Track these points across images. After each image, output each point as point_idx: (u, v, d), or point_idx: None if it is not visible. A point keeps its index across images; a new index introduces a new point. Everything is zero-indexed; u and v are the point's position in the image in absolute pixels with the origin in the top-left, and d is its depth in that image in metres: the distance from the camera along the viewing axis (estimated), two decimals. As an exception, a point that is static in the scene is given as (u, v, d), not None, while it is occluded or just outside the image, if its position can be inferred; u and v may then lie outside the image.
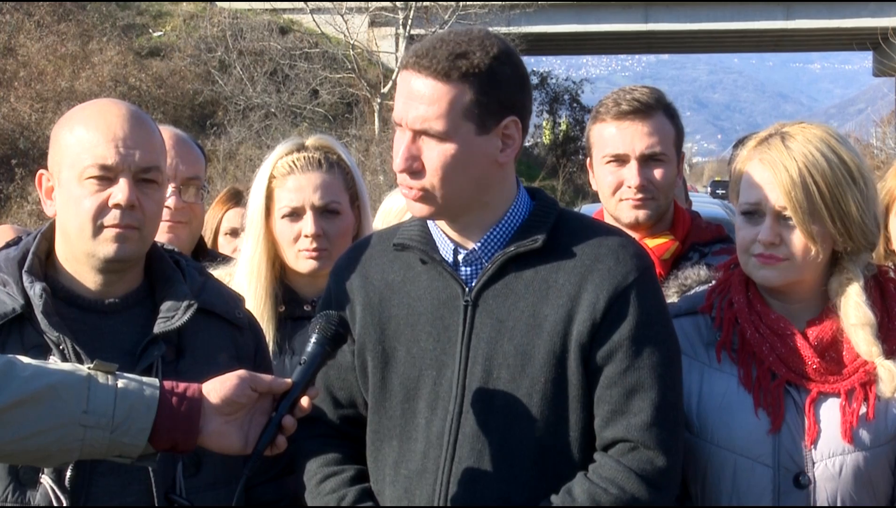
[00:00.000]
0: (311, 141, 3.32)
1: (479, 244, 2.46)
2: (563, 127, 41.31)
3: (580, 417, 2.38)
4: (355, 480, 2.51)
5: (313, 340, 2.40)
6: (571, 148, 40.13)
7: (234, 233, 4.55)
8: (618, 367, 2.35)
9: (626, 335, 2.36)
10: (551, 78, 42.61)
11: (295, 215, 3.21)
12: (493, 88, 2.37)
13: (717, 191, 50.36)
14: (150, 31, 32.08)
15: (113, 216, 2.46)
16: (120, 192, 2.45)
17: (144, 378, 2.33)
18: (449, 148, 2.37)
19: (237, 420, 2.35)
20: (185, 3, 33.51)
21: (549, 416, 2.36)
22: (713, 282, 2.81)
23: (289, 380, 2.38)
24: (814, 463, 2.57)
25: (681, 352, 2.49)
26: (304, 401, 2.37)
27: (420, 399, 2.44)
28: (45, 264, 2.55)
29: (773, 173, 2.57)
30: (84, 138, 2.47)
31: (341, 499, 2.47)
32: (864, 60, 51.18)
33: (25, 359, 2.27)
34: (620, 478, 2.31)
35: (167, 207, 3.46)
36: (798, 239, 2.57)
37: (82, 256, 2.51)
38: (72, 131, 2.50)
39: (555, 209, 2.50)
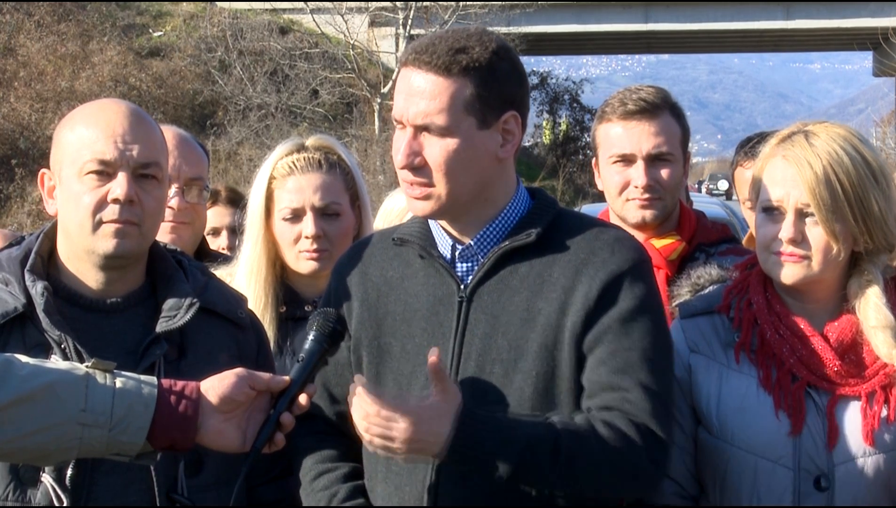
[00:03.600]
0: (311, 141, 3.31)
1: (474, 240, 2.46)
2: (563, 127, 41.34)
3: (572, 410, 2.36)
4: (349, 477, 2.51)
5: (311, 337, 2.40)
6: (571, 148, 40.18)
7: (215, 232, 4.54)
8: (607, 348, 2.33)
9: (616, 318, 2.33)
10: (551, 78, 42.63)
11: (295, 216, 3.21)
12: (493, 82, 2.37)
13: (701, 188, 51.71)
14: (150, 31, 32.08)
15: (112, 212, 2.46)
16: (118, 187, 2.46)
17: (143, 377, 2.33)
18: (451, 143, 2.37)
19: (235, 418, 2.35)
20: (185, 3, 33.52)
21: (542, 410, 2.35)
22: (726, 281, 2.79)
23: (287, 378, 2.38)
24: (834, 466, 2.55)
25: (674, 347, 2.48)
26: (303, 398, 2.38)
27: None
28: (47, 263, 2.56)
29: (797, 170, 2.56)
30: (84, 135, 2.49)
31: (333, 496, 2.48)
32: (864, 60, 51.31)
33: (24, 358, 2.27)
34: (621, 423, 2.27)
35: (170, 207, 3.46)
36: (820, 237, 2.56)
37: (83, 253, 2.52)
38: (72, 130, 2.52)
39: (553, 208, 2.50)
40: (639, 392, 2.30)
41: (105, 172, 2.47)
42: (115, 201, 2.46)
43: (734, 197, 5.23)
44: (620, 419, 2.28)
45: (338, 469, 2.52)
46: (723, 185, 49.81)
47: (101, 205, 2.47)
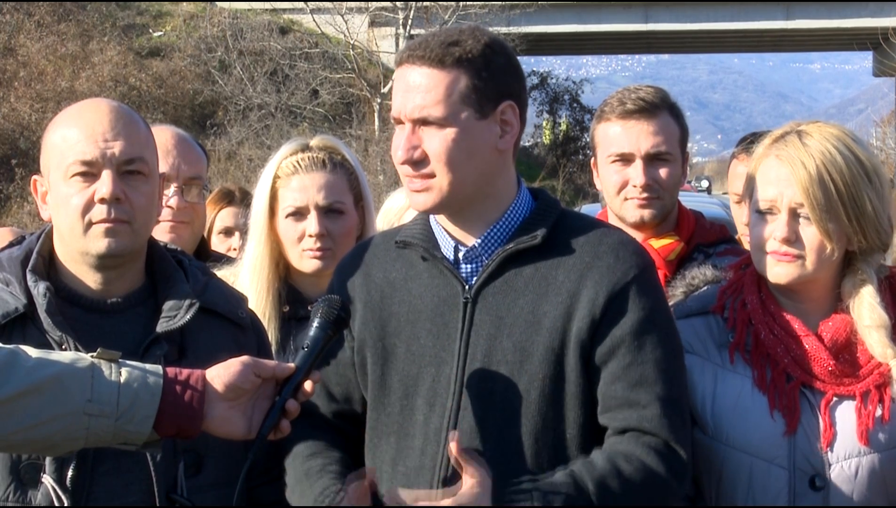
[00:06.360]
0: (315, 141, 3.33)
1: (479, 241, 2.46)
2: (563, 127, 41.37)
3: (578, 414, 2.37)
4: (338, 461, 2.49)
5: (315, 324, 2.41)
6: (571, 148, 40.21)
7: (228, 232, 4.55)
8: (621, 362, 2.35)
9: (628, 331, 2.35)
10: (551, 78, 42.67)
11: (299, 214, 3.22)
12: (487, 72, 2.39)
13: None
14: (150, 31, 32.10)
15: (100, 211, 2.46)
16: (103, 186, 2.46)
17: (148, 366, 2.33)
18: (450, 134, 2.37)
19: (241, 406, 2.36)
20: (185, 3, 33.53)
21: (547, 413, 2.36)
22: (721, 282, 2.80)
23: (292, 365, 2.39)
24: (829, 465, 2.56)
25: (683, 350, 2.49)
26: (308, 385, 2.38)
27: (418, 396, 2.44)
28: (48, 263, 2.56)
29: (791, 170, 2.57)
30: (67, 137, 2.49)
31: (326, 465, 2.46)
32: (864, 60, 51.28)
33: (29, 349, 2.28)
34: (640, 453, 2.30)
35: (169, 206, 3.46)
36: (814, 236, 2.57)
37: (77, 254, 2.52)
38: (55, 133, 2.53)
39: (556, 209, 2.50)
40: (656, 408, 2.32)
41: (89, 172, 2.47)
42: (102, 200, 2.46)
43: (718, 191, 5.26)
44: (641, 447, 2.30)
45: (332, 452, 2.51)
46: (704, 183, 58.15)
47: (89, 206, 2.47)
